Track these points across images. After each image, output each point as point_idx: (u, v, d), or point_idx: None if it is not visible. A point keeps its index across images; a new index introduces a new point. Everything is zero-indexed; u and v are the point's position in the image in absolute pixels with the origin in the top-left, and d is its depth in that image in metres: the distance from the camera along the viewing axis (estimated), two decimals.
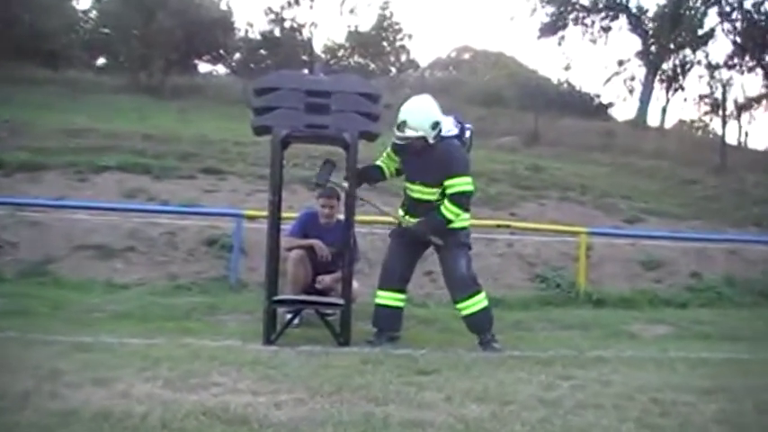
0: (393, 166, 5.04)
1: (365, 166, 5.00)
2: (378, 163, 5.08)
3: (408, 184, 4.94)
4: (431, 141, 4.67)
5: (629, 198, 11.99)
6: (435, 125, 4.67)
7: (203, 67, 23.55)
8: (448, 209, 4.76)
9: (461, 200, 4.75)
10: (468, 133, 4.96)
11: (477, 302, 4.83)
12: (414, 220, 4.91)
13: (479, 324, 4.85)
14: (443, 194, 4.78)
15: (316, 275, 5.48)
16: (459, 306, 4.85)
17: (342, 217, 5.16)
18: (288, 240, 5.54)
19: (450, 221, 4.78)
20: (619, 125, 22.14)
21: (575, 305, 7.38)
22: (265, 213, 5.41)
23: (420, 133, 4.64)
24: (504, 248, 8.72)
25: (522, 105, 20.61)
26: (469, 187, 4.77)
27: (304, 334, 5.06)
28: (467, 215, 4.92)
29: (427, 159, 4.71)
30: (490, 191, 10.83)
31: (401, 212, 5.05)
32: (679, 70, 24.06)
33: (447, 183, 4.72)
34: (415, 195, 4.89)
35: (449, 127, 4.81)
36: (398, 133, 4.71)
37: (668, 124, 24.72)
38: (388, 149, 5.00)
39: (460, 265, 4.84)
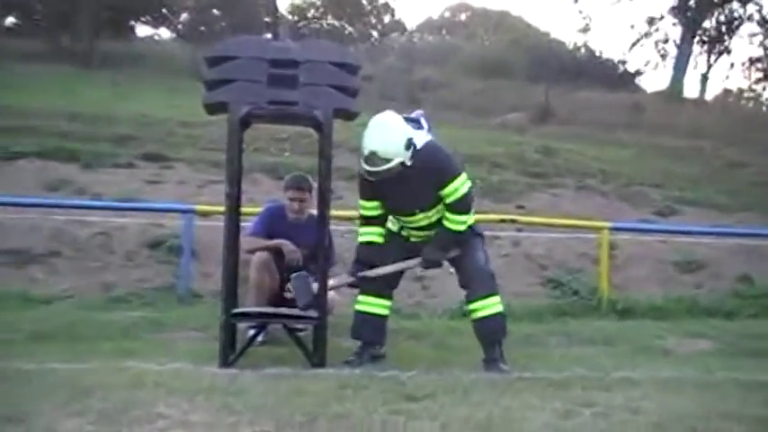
0: (378, 213, 5.01)
1: (358, 258, 4.99)
2: (366, 239, 5.03)
3: (407, 218, 5.00)
4: (408, 163, 4.70)
5: (662, 186, 12.12)
6: (409, 144, 4.70)
7: (142, 30, 23.45)
8: (453, 221, 4.86)
9: (464, 204, 4.87)
10: (422, 120, 5.04)
11: (495, 304, 4.92)
12: (419, 233, 5.02)
13: (492, 330, 4.93)
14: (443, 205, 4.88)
15: (283, 283, 5.49)
16: (473, 306, 4.93)
17: (314, 212, 5.17)
18: (249, 241, 5.54)
19: (461, 232, 4.91)
20: (648, 97, 22.33)
21: (596, 316, 7.45)
22: (221, 208, 5.39)
23: (396, 161, 4.65)
24: (510, 248, 8.78)
25: (531, 75, 20.71)
26: (467, 186, 4.86)
27: (270, 353, 5.06)
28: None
29: (414, 183, 4.74)
30: (492, 179, 10.90)
31: (393, 227, 5.13)
32: (724, 29, 24.09)
33: (444, 192, 4.79)
34: (422, 224, 4.97)
35: (418, 136, 4.85)
36: (369, 168, 4.68)
37: (710, 95, 24.93)
38: (361, 201, 5.01)
39: (479, 258, 4.98)
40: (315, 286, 4.92)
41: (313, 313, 4.76)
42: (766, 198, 11.90)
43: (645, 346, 6.24)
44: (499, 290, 5.00)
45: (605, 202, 11.00)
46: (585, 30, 28.48)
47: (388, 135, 4.68)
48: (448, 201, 4.82)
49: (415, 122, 4.99)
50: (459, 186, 4.80)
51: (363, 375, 4.39)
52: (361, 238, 5.09)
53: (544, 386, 4.26)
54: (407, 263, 5.05)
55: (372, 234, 5.05)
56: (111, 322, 5.98)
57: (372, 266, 5.00)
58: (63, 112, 11.57)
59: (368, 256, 5.02)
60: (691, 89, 24.00)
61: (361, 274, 4.99)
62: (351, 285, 5.13)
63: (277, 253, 5.51)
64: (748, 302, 8.20)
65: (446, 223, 4.88)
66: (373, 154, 4.64)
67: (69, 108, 11.89)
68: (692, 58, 23.67)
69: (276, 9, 22.45)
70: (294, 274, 4.99)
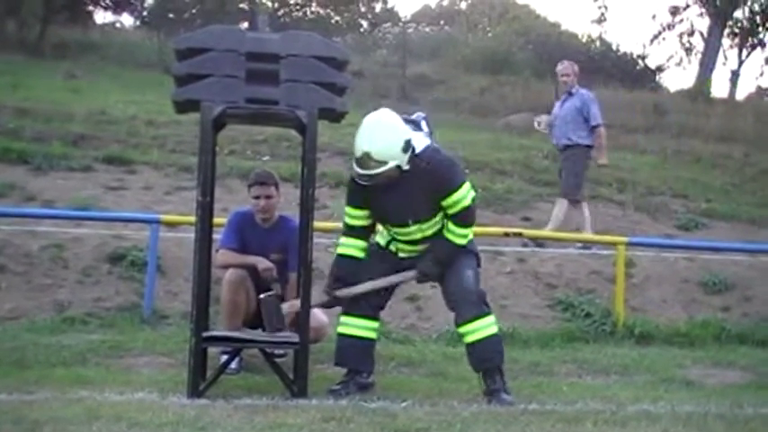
0: (363, 225, 5.08)
1: (336, 274, 5.06)
2: (344, 252, 5.11)
3: (398, 230, 5.06)
4: (406, 168, 4.76)
5: (686, 196, 12.17)
6: (407, 146, 4.76)
7: (101, 16, 23.50)
8: (456, 233, 4.95)
9: (469, 216, 4.96)
10: (423, 123, 5.12)
11: (487, 326, 4.95)
12: (407, 247, 5.08)
13: (487, 356, 4.96)
14: (445, 215, 4.95)
15: (259, 302, 5.52)
16: (462, 329, 4.98)
17: (286, 214, 5.23)
18: (224, 255, 5.57)
19: (462, 246, 4.99)
20: (671, 97, 22.43)
21: (610, 342, 7.48)
22: (191, 218, 5.43)
23: (391, 164, 4.71)
24: (515, 264, 8.80)
25: (539, 72, 20.80)
26: (472, 195, 4.94)
27: (245, 382, 5.09)
28: None
29: (410, 190, 4.80)
30: (495, 188, 10.92)
31: (381, 240, 5.20)
32: (759, 19, 24.16)
33: (446, 202, 4.87)
34: (415, 237, 5.03)
35: (417, 138, 4.91)
36: (362, 171, 4.75)
37: (741, 95, 24.97)
38: (348, 208, 5.06)
39: (467, 278, 5.01)
40: (286, 306, 4.96)
41: (293, 337, 4.78)
42: None
43: (665, 376, 6.27)
44: (491, 310, 5.04)
45: (621, 214, 11.04)
46: (601, 20, 28.58)
47: (384, 135, 4.73)
48: (450, 212, 4.88)
49: (415, 125, 5.04)
50: (464, 197, 4.86)
51: (349, 407, 4.42)
52: (340, 250, 5.14)
53: (553, 421, 4.30)
54: (399, 276, 5.09)
55: (353, 247, 5.10)
56: (64, 347, 5.97)
57: (351, 284, 5.03)
58: (9, 108, 11.54)
59: (346, 271, 5.06)
60: (719, 88, 24.09)
61: (343, 291, 5.01)
62: (326, 305, 5.14)
63: (252, 268, 5.54)
64: None
65: (447, 235, 4.95)
66: (366, 155, 4.69)
67: (17, 103, 11.85)
68: (720, 53, 23.78)
69: None
70: (262, 296, 5.02)
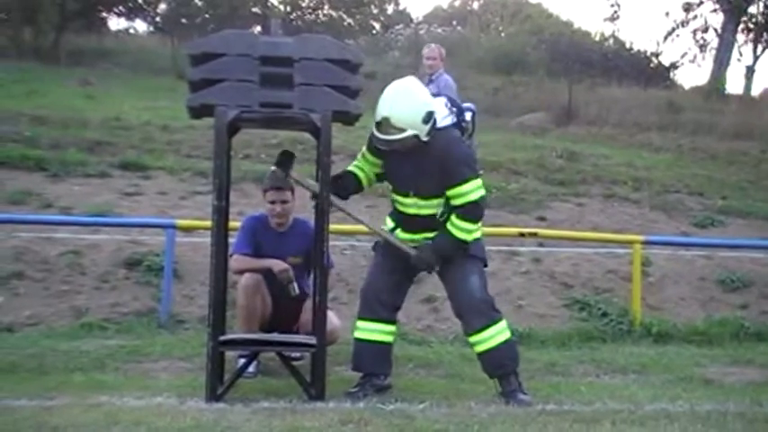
0: (373, 170, 5.11)
1: (334, 176, 5.01)
2: (351, 169, 5.14)
3: (398, 197, 5.04)
4: (424, 139, 4.73)
5: (701, 194, 12.13)
6: (428, 117, 4.73)
7: (115, 22, 23.59)
8: (459, 227, 4.87)
9: (474, 212, 4.87)
10: (469, 115, 5.06)
11: (497, 333, 4.90)
12: (406, 236, 5.03)
13: (500, 363, 4.93)
14: (447, 205, 4.89)
15: (275, 306, 5.53)
16: (472, 339, 4.95)
17: (301, 217, 5.21)
18: (238, 260, 5.58)
19: (464, 242, 4.90)
20: (685, 94, 22.36)
21: (628, 341, 7.47)
22: (207, 223, 5.44)
23: (409, 132, 4.69)
24: (530, 265, 8.79)
25: (552, 71, 20.77)
26: (481, 193, 4.87)
27: (262, 386, 5.11)
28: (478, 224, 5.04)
29: (421, 163, 4.78)
30: (510, 188, 10.91)
31: (390, 224, 5.16)
32: None
33: (452, 192, 4.82)
34: (410, 211, 4.99)
35: (442, 113, 4.89)
36: (380, 135, 4.74)
37: (756, 91, 24.84)
38: (365, 150, 5.07)
39: (472, 284, 4.94)
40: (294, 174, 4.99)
41: (310, 340, 4.79)
42: None
43: (683, 375, 6.25)
44: (502, 315, 4.98)
45: (637, 212, 11.01)
46: (614, 18, 28.45)
47: (406, 102, 4.71)
48: (455, 203, 4.84)
49: (458, 110, 4.99)
50: (471, 191, 4.81)
51: (367, 409, 4.43)
52: (350, 168, 5.14)
53: (570, 421, 4.29)
54: (398, 241, 5.01)
55: (358, 168, 5.11)
56: (82, 352, 6.00)
57: (340, 193, 5.01)
58: (25, 116, 11.61)
59: (342, 178, 5.05)
60: (734, 84, 23.97)
61: (337, 201, 4.93)
62: (314, 197, 4.96)
63: (267, 272, 5.54)
64: None
65: (450, 227, 4.88)
66: (386, 120, 4.69)
67: (33, 111, 11.92)
68: (735, 49, 23.67)
69: None
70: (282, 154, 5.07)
